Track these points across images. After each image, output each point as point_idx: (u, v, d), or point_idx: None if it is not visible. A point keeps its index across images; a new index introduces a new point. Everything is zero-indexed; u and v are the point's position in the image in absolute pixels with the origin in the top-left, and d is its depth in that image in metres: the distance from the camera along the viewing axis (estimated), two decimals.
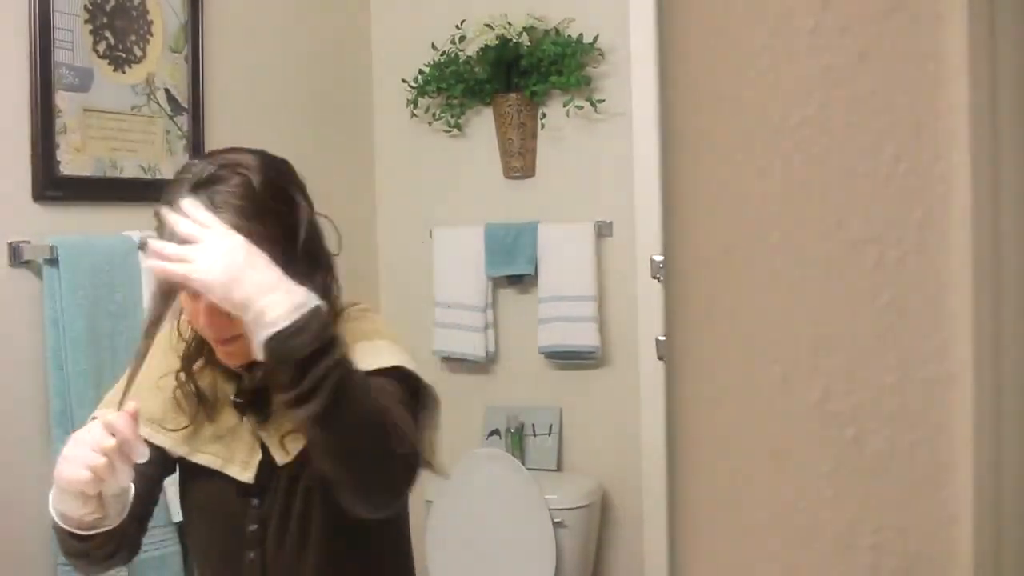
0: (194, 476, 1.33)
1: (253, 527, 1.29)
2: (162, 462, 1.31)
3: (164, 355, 1.32)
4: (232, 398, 1.31)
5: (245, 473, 1.29)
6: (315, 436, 1.11)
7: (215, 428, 1.31)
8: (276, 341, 1.07)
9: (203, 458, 1.31)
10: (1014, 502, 0.59)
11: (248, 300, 1.08)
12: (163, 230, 1.17)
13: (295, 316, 1.07)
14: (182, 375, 1.30)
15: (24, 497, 1.94)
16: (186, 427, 1.30)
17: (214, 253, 1.10)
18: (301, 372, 1.07)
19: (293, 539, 1.27)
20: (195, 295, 1.18)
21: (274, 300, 1.08)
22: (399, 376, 1.24)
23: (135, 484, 1.17)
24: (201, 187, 1.17)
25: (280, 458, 1.27)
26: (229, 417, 1.31)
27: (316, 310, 1.09)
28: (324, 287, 1.24)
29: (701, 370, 0.61)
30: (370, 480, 1.13)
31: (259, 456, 1.29)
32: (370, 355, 1.23)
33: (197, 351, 1.32)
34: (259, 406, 1.29)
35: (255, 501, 1.29)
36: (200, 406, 1.30)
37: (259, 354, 1.09)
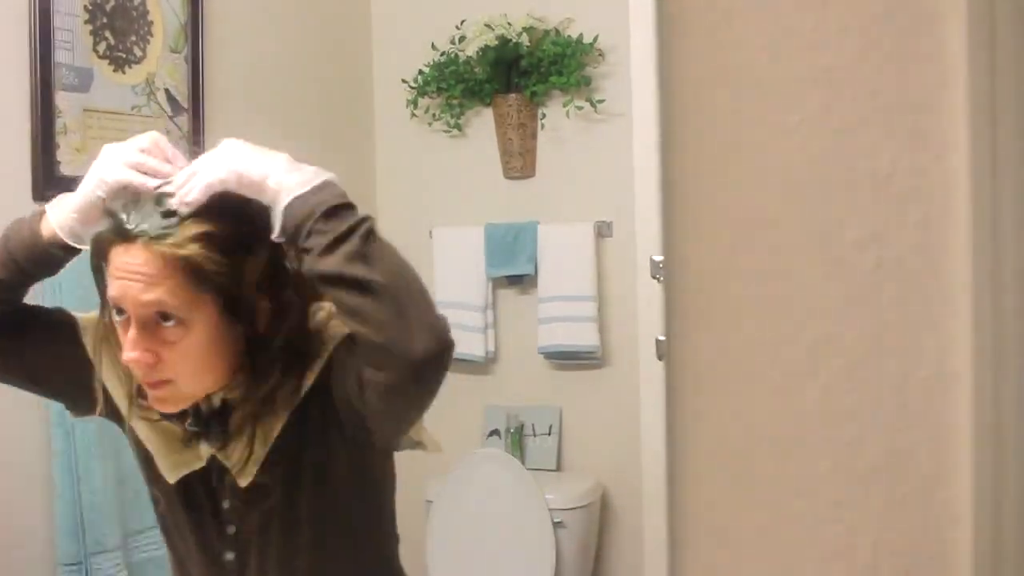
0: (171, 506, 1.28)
1: (229, 556, 1.25)
2: (88, 383, 1.22)
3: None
4: (187, 426, 1.21)
5: (170, 471, 1.23)
6: (355, 278, 1.05)
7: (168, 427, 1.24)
8: (300, 201, 1.07)
9: (140, 428, 1.24)
10: (1014, 502, 0.59)
11: (264, 177, 1.08)
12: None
13: (316, 181, 1.09)
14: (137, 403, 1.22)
15: (24, 497, 1.94)
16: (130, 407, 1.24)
17: (218, 154, 1.11)
18: (330, 221, 1.07)
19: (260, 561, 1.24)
20: (125, 322, 1.10)
21: (290, 176, 1.09)
22: None
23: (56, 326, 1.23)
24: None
25: (241, 480, 1.20)
26: (181, 430, 1.23)
27: (331, 180, 1.11)
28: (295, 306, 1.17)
29: (701, 370, 0.61)
30: (419, 324, 1.06)
31: (198, 467, 1.22)
32: None
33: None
34: (216, 432, 1.20)
35: (230, 528, 1.24)
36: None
37: (276, 228, 1.08)
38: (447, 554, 2.74)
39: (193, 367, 1.12)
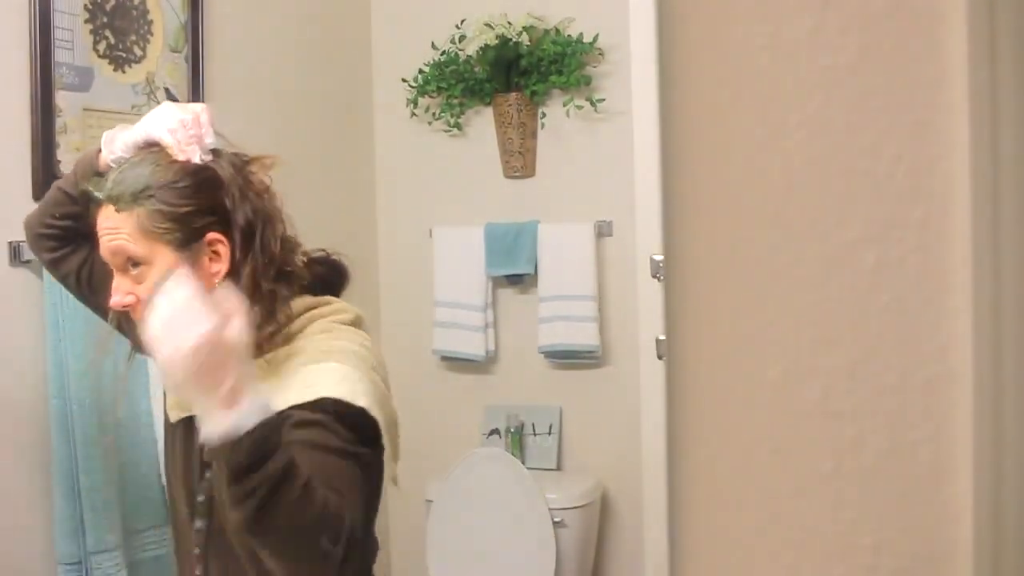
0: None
1: (199, 523, 1.33)
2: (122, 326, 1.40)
3: None
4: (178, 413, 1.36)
5: (172, 409, 1.38)
6: (242, 540, 1.13)
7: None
8: (215, 448, 1.05)
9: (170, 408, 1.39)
10: (1014, 502, 0.59)
11: (188, 397, 1.11)
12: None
13: (234, 434, 1.03)
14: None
15: (24, 497, 1.94)
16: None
17: (179, 339, 1.02)
18: (232, 486, 1.05)
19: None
20: (119, 270, 1.28)
21: (212, 414, 1.04)
22: (338, 412, 1.19)
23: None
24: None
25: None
26: None
27: (254, 429, 1.04)
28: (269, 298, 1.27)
29: (701, 370, 0.61)
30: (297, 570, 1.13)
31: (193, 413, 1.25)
32: (309, 385, 1.20)
33: None
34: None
35: (198, 523, 1.33)
36: None
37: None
38: (447, 554, 2.74)
39: None
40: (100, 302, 1.41)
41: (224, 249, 1.28)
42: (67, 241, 1.45)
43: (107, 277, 1.34)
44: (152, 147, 1.30)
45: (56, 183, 1.43)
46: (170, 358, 1.03)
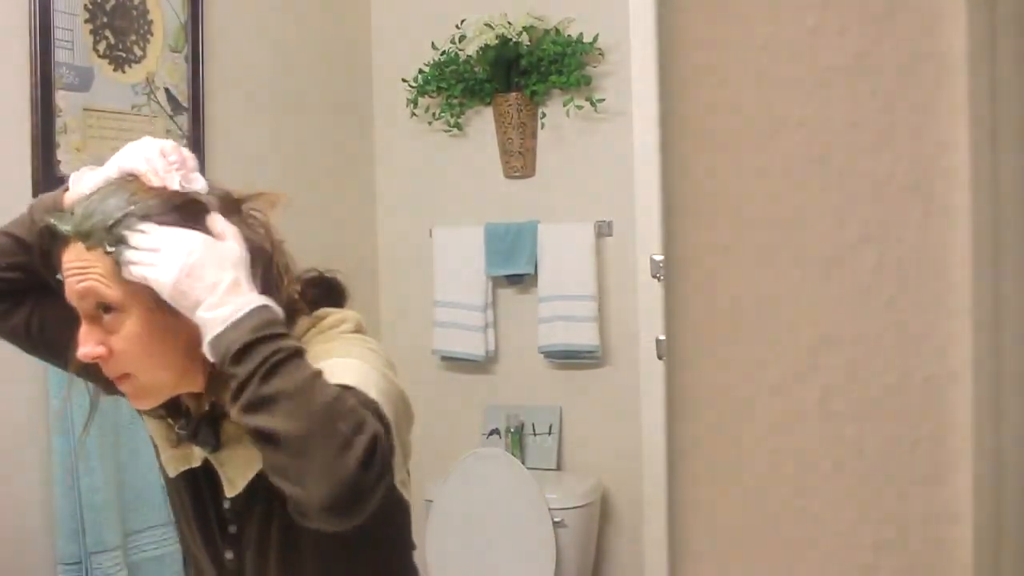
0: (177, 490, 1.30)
1: (229, 555, 1.26)
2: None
3: None
4: (176, 429, 1.24)
5: (170, 464, 1.27)
6: (253, 430, 1.03)
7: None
8: (216, 343, 1.05)
9: (146, 420, 1.30)
10: (1014, 502, 0.59)
11: (198, 305, 1.07)
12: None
13: (236, 315, 1.05)
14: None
15: (24, 497, 1.94)
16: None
17: (172, 254, 1.08)
18: (235, 367, 1.04)
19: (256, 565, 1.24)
20: (87, 316, 1.14)
21: (219, 307, 1.06)
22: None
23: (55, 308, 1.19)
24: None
25: (228, 491, 1.21)
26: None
27: (255, 310, 1.06)
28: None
29: (701, 370, 0.61)
30: (320, 473, 1.00)
31: (195, 464, 1.24)
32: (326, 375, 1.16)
33: None
34: (206, 437, 1.22)
35: (231, 527, 1.25)
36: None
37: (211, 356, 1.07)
38: (447, 554, 2.74)
39: (140, 355, 1.13)
40: (57, 351, 1.26)
41: None
42: (10, 295, 1.26)
43: (63, 322, 1.21)
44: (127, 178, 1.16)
45: (4, 228, 1.24)
46: (165, 260, 1.07)
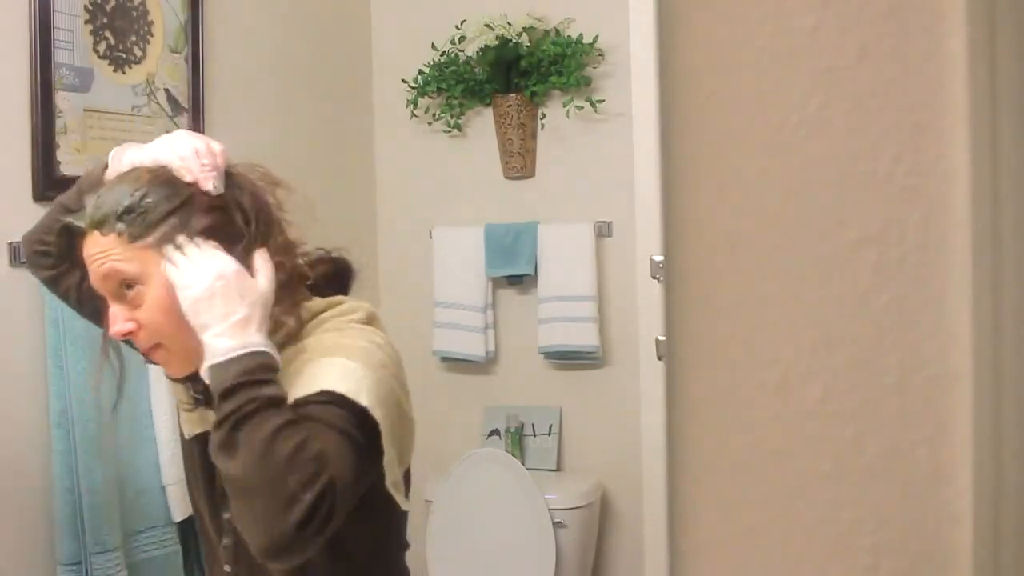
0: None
1: (227, 541, 1.30)
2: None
3: None
4: (192, 393, 1.32)
5: (187, 424, 1.35)
6: (218, 463, 1.12)
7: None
8: (215, 370, 1.14)
9: (172, 386, 1.36)
10: (1014, 502, 0.59)
11: (203, 328, 1.15)
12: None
13: (229, 355, 1.13)
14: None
15: (24, 497, 1.94)
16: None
17: (205, 274, 1.17)
18: (219, 404, 1.12)
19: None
20: (113, 297, 1.22)
21: (220, 339, 1.14)
22: (340, 401, 1.16)
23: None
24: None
25: None
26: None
27: (251, 354, 1.14)
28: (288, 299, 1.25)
29: (701, 370, 0.61)
30: (261, 524, 1.07)
31: (208, 428, 1.26)
32: (311, 378, 1.19)
33: None
34: None
35: (225, 541, 1.31)
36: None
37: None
38: (447, 554, 2.74)
39: (166, 320, 1.20)
40: (101, 318, 1.34)
41: None
42: (64, 259, 1.37)
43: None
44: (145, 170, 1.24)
45: (59, 198, 1.37)
46: (196, 276, 1.16)
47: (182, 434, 1.39)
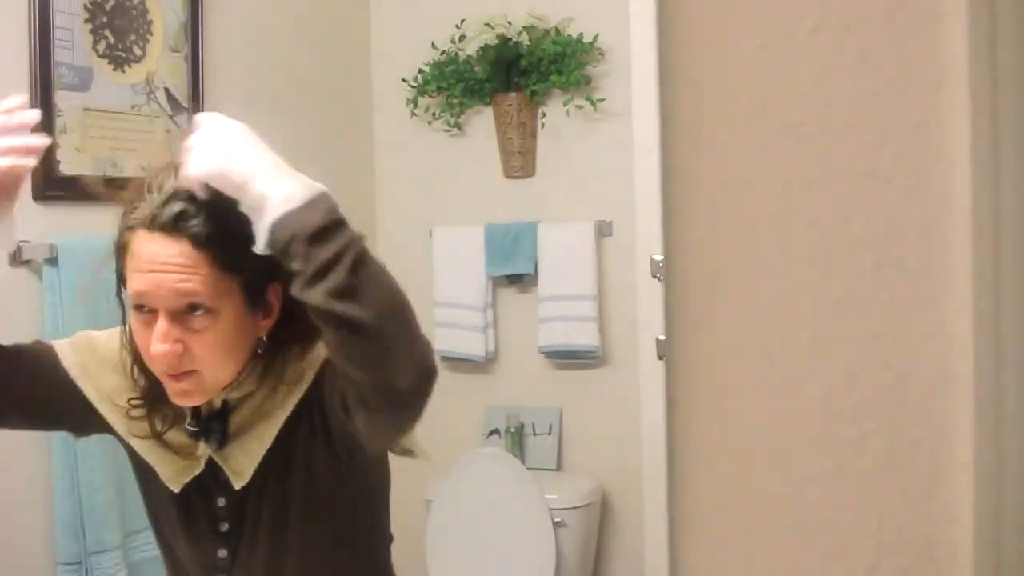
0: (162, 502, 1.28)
1: (222, 552, 1.25)
2: (80, 408, 1.24)
3: (113, 370, 1.25)
4: (187, 425, 1.21)
5: (173, 481, 1.23)
6: (336, 315, 1.00)
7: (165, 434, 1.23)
8: (285, 220, 1.00)
9: (137, 444, 1.24)
10: (1014, 502, 0.59)
11: (247, 181, 1.02)
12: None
13: (305, 195, 1.01)
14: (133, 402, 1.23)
15: (24, 497, 1.94)
16: (136, 418, 1.23)
17: (210, 139, 1.05)
18: (314, 248, 1.00)
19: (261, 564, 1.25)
20: (148, 318, 1.10)
21: (278, 185, 1.01)
22: None
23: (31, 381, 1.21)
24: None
25: (236, 483, 1.21)
26: (180, 434, 1.23)
27: (325, 194, 1.03)
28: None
29: (701, 370, 0.61)
30: (405, 361, 1.02)
31: (197, 471, 1.22)
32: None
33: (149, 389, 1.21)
34: (216, 432, 1.20)
35: (223, 526, 1.25)
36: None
37: (260, 243, 1.02)
38: (447, 554, 2.74)
39: (219, 356, 1.12)
40: (53, 417, 1.28)
41: (277, 301, 1.16)
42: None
43: (43, 400, 1.23)
44: None
45: None
46: (221, 130, 1.06)
47: (155, 491, 1.27)
